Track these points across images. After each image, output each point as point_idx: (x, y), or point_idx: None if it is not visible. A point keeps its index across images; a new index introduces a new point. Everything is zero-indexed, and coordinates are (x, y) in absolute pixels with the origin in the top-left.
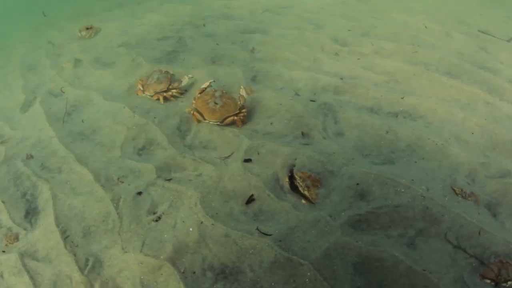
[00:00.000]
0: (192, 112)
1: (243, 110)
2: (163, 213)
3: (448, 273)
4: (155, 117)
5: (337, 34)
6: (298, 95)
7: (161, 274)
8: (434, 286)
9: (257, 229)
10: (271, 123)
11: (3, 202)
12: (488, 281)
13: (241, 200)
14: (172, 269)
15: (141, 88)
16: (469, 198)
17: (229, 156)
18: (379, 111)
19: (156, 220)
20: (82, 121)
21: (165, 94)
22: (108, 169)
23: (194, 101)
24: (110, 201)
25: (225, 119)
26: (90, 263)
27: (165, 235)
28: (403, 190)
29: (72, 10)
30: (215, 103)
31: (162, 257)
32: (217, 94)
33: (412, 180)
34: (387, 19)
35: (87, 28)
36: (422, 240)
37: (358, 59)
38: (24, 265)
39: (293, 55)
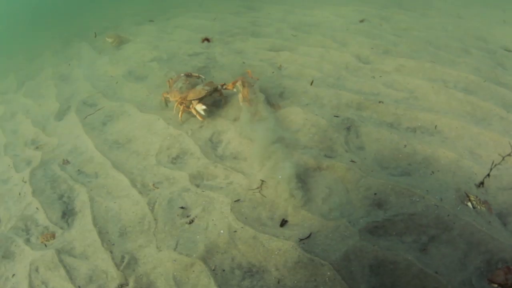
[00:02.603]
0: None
1: None
2: (196, 217)
3: (457, 277)
4: (190, 129)
5: (360, 52)
6: (337, 116)
7: (193, 271)
8: None
9: (300, 239)
10: (296, 137)
11: (39, 203)
12: (496, 285)
13: (268, 206)
14: (203, 266)
15: (167, 92)
16: (483, 206)
17: (260, 185)
18: (398, 126)
19: (190, 223)
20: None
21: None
22: (143, 175)
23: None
24: (146, 204)
25: None
26: (125, 260)
27: (198, 236)
28: (418, 200)
29: (103, 23)
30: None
31: (194, 255)
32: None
33: (427, 190)
34: (409, 36)
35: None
36: (434, 246)
37: (380, 76)
38: (61, 261)
39: (318, 73)
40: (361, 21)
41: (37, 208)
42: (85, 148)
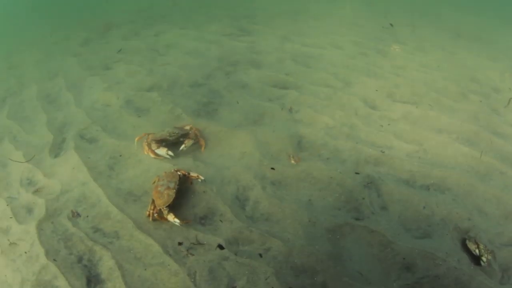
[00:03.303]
0: None
1: None
2: None
3: None
4: (213, 185)
5: (366, 94)
6: (357, 173)
7: None
8: None
9: None
10: (324, 197)
11: (57, 267)
12: None
13: (309, 273)
14: None
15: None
16: (490, 254)
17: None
18: (414, 184)
19: None
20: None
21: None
22: (173, 238)
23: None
24: (186, 276)
25: None
26: None
27: None
28: (440, 263)
29: (83, 33)
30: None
31: None
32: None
33: (447, 253)
34: (408, 76)
35: None
36: None
37: (389, 124)
38: None
39: (331, 120)
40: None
41: (55, 274)
42: (96, 199)
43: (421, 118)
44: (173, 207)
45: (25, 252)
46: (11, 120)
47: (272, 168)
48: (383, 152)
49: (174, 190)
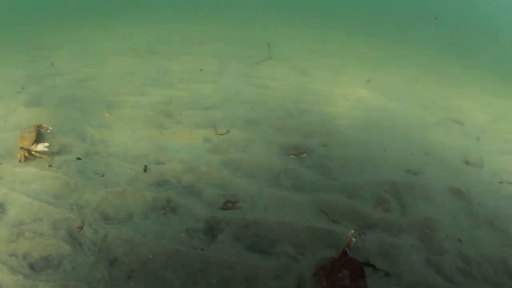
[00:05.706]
0: None
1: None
2: (104, 172)
3: None
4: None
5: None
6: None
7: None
8: None
9: None
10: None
11: None
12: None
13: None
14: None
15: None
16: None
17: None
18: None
19: (102, 176)
20: None
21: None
22: (42, 166)
23: None
24: (64, 175)
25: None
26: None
27: (116, 179)
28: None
29: None
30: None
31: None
32: None
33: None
34: None
35: None
36: None
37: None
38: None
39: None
40: None
41: None
42: None
43: None
44: None
45: None
46: None
47: None
48: None
49: (35, 132)
